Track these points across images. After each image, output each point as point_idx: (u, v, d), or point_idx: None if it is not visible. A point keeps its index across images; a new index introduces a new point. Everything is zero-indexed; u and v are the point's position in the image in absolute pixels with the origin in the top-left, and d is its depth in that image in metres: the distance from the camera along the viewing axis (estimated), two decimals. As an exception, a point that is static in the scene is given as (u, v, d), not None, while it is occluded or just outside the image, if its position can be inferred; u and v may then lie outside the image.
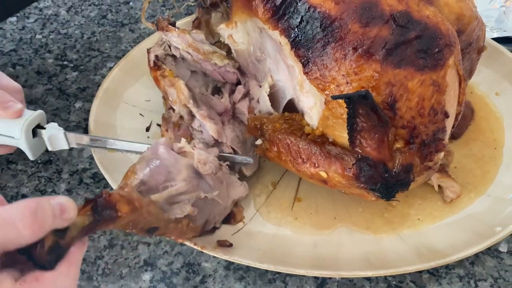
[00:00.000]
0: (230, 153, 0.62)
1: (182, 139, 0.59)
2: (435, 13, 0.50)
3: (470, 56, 0.59)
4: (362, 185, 0.50)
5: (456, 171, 0.65)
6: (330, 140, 0.53)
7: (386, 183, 0.49)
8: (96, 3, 0.98)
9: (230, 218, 0.60)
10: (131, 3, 0.97)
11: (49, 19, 0.96)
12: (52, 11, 0.97)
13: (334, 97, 0.46)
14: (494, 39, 0.78)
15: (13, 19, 0.96)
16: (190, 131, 0.63)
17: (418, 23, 0.48)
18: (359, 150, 0.49)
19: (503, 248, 0.60)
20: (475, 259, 0.59)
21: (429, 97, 0.49)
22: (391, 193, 0.50)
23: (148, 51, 0.66)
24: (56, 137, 0.61)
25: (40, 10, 0.98)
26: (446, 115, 0.50)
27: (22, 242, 0.36)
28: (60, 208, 0.38)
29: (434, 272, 0.58)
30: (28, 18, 0.96)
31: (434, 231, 0.59)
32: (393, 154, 0.48)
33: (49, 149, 0.62)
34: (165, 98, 0.65)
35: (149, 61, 0.66)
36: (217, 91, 0.68)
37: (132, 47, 0.87)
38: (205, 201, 0.55)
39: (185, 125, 0.63)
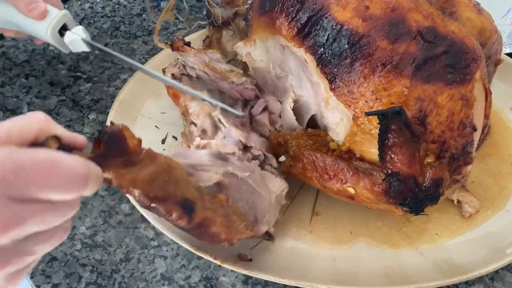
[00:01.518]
0: (259, 155, 0.61)
1: (197, 138, 0.58)
2: (460, 28, 0.51)
3: (488, 69, 0.60)
4: (391, 200, 0.51)
5: (473, 186, 0.65)
6: (357, 155, 0.53)
7: (415, 197, 0.49)
8: (109, 15, 0.99)
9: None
10: (144, 15, 0.98)
11: (62, 30, 0.96)
12: (65, 23, 0.97)
13: (368, 114, 0.47)
14: (507, 54, 0.79)
15: (26, 30, 0.96)
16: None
17: (444, 39, 0.49)
18: (389, 166, 0.49)
19: (523, 264, 0.60)
20: (495, 274, 0.59)
21: (458, 111, 0.49)
22: (420, 208, 0.51)
23: (164, 70, 0.66)
24: (76, 42, 0.63)
25: (53, 21, 0.98)
26: (474, 129, 0.51)
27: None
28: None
29: (453, 288, 0.58)
30: (41, 29, 0.96)
31: (453, 246, 0.59)
32: (424, 169, 0.49)
33: (72, 51, 0.64)
34: (184, 114, 0.64)
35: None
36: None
37: (145, 59, 0.87)
38: (245, 187, 0.52)
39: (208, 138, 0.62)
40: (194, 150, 0.57)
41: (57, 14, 0.62)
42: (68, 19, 0.64)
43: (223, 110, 0.60)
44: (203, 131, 0.61)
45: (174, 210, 0.44)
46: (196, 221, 0.45)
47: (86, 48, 0.64)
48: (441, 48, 0.49)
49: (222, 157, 0.55)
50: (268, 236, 0.56)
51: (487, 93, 0.53)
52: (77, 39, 0.62)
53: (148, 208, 0.43)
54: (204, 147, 0.58)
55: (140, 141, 0.42)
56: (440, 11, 0.52)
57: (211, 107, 0.60)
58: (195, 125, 0.62)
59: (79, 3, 1.02)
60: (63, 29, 0.63)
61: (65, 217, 0.37)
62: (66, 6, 1.01)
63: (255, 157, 0.60)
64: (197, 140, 0.57)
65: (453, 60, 0.49)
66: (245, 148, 0.60)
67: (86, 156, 0.38)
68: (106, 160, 0.39)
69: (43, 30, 0.61)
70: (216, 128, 0.62)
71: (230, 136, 0.60)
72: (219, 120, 0.60)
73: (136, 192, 0.41)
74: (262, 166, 0.62)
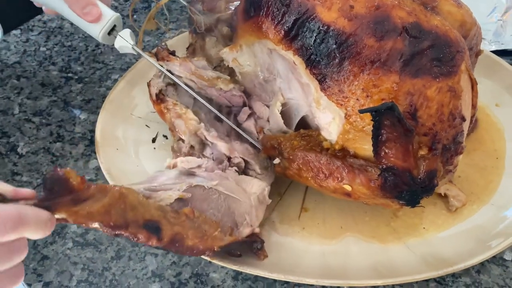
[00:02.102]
0: (239, 162, 0.62)
1: (167, 159, 0.60)
2: (443, 22, 0.52)
3: (470, 60, 0.61)
4: (387, 194, 0.52)
5: (460, 180, 0.66)
6: (351, 153, 0.54)
7: (411, 190, 0.50)
8: (100, 16, 0.99)
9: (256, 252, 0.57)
10: (135, 16, 0.98)
11: (53, 32, 0.96)
12: (56, 24, 0.98)
13: (362, 111, 0.48)
14: (493, 51, 0.80)
15: (17, 31, 0.96)
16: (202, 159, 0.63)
17: (429, 33, 0.50)
18: (384, 161, 0.50)
19: (508, 256, 0.61)
20: (481, 267, 0.60)
21: (447, 103, 0.50)
22: (416, 200, 0.52)
23: (149, 84, 0.67)
24: (124, 48, 0.66)
25: (44, 22, 0.98)
26: (463, 119, 0.52)
27: None
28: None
29: (441, 281, 0.59)
30: (32, 30, 0.97)
31: (439, 240, 0.60)
32: (417, 161, 0.50)
33: (119, 51, 0.68)
34: (171, 130, 0.65)
35: (151, 95, 0.66)
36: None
37: (136, 60, 0.88)
38: (215, 195, 0.54)
39: (196, 154, 0.63)
40: (164, 171, 0.58)
41: (110, 18, 0.65)
42: (118, 22, 0.66)
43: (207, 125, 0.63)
44: (192, 147, 0.62)
45: (139, 233, 0.47)
46: (167, 239, 0.48)
47: (132, 52, 0.67)
48: (427, 42, 0.50)
49: (188, 173, 0.56)
50: (256, 240, 0.56)
51: (473, 84, 0.55)
52: (127, 46, 0.66)
53: (115, 236, 0.46)
54: (174, 165, 0.59)
55: (83, 178, 0.45)
56: (422, 6, 0.53)
57: (196, 126, 0.61)
58: (183, 141, 0.63)
59: (70, 4, 1.02)
60: (112, 29, 0.66)
61: (11, 262, 0.40)
62: (57, 7, 1.01)
63: (235, 165, 0.61)
64: (167, 161, 0.60)
65: (438, 53, 0.51)
66: (229, 158, 0.62)
67: (31, 203, 0.42)
68: (54, 202, 0.43)
69: (94, 31, 0.65)
70: (203, 144, 0.63)
71: (216, 150, 0.62)
72: (205, 137, 0.62)
73: (96, 224, 0.45)
74: (246, 172, 0.63)
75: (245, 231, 0.54)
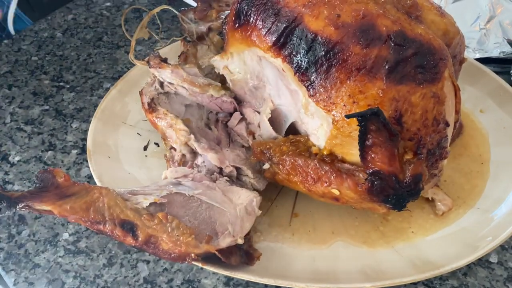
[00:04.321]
0: (231, 171, 0.63)
1: (176, 163, 0.62)
2: (426, 31, 0.53)
3: (454, 67, 0.63)
4: (374, 198, 0.53)
5: (446, 185, 0.67)
6: (339, 158, 0.55)
7: (397, 194, 0.51)
8: (92, 26, 1.00)
9: (248, 260, 0.58)
10: (126, 26, 0.99)
11: (45, 41, 0.97)
12: (48, 34, 0.99)
13: (348, 116, 0.49)
14: (477, 59, 0.82)
15: (8, 41, 0.97)
16: (194, 167, 0.64)
17: (413, 41, 0.51)
18: (370, 165, 0.51)
19: (494, 259, 0.62)
20: (468, 270, 0.61)
21: (431, 108, 0.52)
22: (402, 204, 0.53)
23: (141, 93, 0.68)
24: None
25: (36, 32, 0.99)
26: (447, 124, 0.53)
27: None
28: None
29: (428, 284, 0.60)
30: (23, 40, 0.97)
31: (427, 243, 0.61)
32: (403, 166, 0.51)
33: None
34: (164, 139, 0.66)
35: (143, 104, 0.67)
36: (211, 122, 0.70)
37: (128, 68, 0.89)
38: (196, 203, 0.56)
39: (188, 163, 0.64)
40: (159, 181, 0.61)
41: None
42: None
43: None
44: (183, 156, 0.63)
45: (115, 230, 0.52)
46: (142, 239, 0.52)
47: None
48: (411, 50, 0.52)
49: (174, 182, 0.59)
50: (244, 253, 0.57)
51: (456, 90, 0.56)
52: None
53: (97, 231, 0.52)
54: (166, 177, 0.62)
55: (68, 176, 0.53)
56: (407, 15, 0.54)
57: (186, 136, 0.62)
58: (175, 149, 0.64)
59: (62, 14, 1.03)
60: None
61: None
62: (49, 17, 1.02)
63: (227, 174, 0.62)
64: (164, 173, 0.63)
65: (422, 61, 0.52)
66: (221, 169, 0.63)
67: (17, 194, 0.51)
68: (41, 196, 0.51)
69: None
70: (195, 153, 0.64)
71: (207, 160, 0.63)
72: (195, 148, 0.63)
73: (77, 219, 0.52)
74: (239, 178, 0.64)
75: (226, 240, 0.55)
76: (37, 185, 0.53)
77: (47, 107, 0.84)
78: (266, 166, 0.62)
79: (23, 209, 0.51)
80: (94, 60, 0.92)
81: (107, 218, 0.52)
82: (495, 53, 0.85)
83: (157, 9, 0.72)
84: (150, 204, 0.55)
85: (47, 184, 0.52)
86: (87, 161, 0.70)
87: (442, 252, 0.60)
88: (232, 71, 0.65)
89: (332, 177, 0.55)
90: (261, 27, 0.56)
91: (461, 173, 0.69)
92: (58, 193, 0.52)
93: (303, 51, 0.53)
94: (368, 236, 0.63)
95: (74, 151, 0.77)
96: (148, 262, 0.63)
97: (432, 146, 0.53)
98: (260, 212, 0.60)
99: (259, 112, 0.66)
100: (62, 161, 0.75)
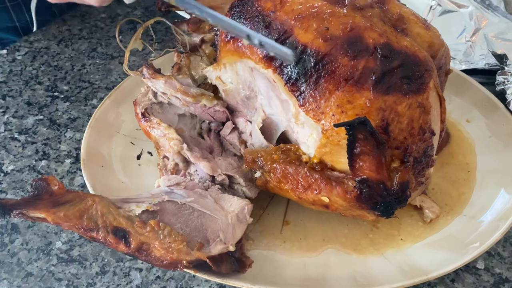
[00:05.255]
0: (223, 180, 0.64)
1: (169, 171, 0.63)
2: (412, 43, 0.55)
3: (440, 79, 0.65)
4: (363, 205, 0.54)
5: (434, 192, 0.69)
6: (329, 166, 0.57)
7: (385, 201, 0.53)
8: (86, 37, 1.01)
9: (240, 267, 0.59)
10: (120, 37, 1.01)
11: (40, 52, 0.98)
12: (43, 44, 1.00)
13: (336, 125, 0.50)
14: (463, 71, 0.85)
15: (3, 51, 0.98)
16: (187, 176, 0.66)
17: (399, 53, 0.53)
18: (359, 173, 0.52)
19: (480, 265, 0.64)
20: (455, 276, 0.62)
21: (417, 118, 0.53)
22: (390, 211, 0.54)
23: (134, 102, 0.69)
24: None
25: (31, 43, 1.00)
26: (433, 133, 0.55)
27: None
28: None
29: (417, 290, 0.61)
30: (18, 50, 0.98)
31: (416, 250, 0.63)
32: (390, 173, 0.52)
33: None
34: (157, 147, 0.67)
35: (136, 113, 0.68)
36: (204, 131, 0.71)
37: (121, 79, 0.90)
38: (188, 211, 0.57)
39: (181, 172, 0.65)
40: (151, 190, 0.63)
41: None
42: None
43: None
44: (176, 164, 0.64)
45: (108, 238, 0.53)
46: (134, 246, 0.53)
47: None
48: (397, 61, 0.54)
49: (166, 190, 0.60)
50: (236, 261, 0.58)
51: (441, 100, 0.58)
52: None
53: (91, 238, 0.53)
54: (159, 185, 0.63)
55: (62, 184, 0.54)
56: (393, 28, 0.56)
57: (179, 146, 0.64)
58: (168, 158, 0.65)
59: (57, 25, 1.04)
60: None
61: None
62: (44, 28, 1.03)
63: (219, 182, 0.64)
64: (157, 182, 0.64)
65: (408, 72, 0.54)
66: (213, 178, 0.64)
67: (11, 201, 0.51)
68: (35, 203, 0.52)
69: None
70: (187, 162, 0.65)
71: (200, 169, 0.64)
72: (188, 157, 0.64)
73: (70, 227, 0.52)
74: (231, 186, 0.65)
75: (217, 248, 0.56)
76: (32, 193, 0.53)
77: (41, 117, 0.85)
78: (258, 174, 0.63)
79: (17, 217, 0.52)
80: (88, 70, 0.94)
81: (100, 226, 0.53)
82: (480, 64, 0.87)
83: (151, 21, 0.73)
84: (143, 211, 0.56)
85: (41, 192, 0.53)
86: (80, 170, 0.70)
87: (430, 258, 0.61)
88: (225, 81, 0.66)
89: (322, 184, 0.56)
90: (252, 39, 0.57)
91: (449, 181, 0.71)
92: (52, 201, 0.53)
93: (293, 62, 0.55)
94: (358, 243, 0.64)
95: (67, 160, 0.77)
96: (140, 270, 0.63)
97: (419, 154, 0.54)
98: (252, 219, 0.61)
99: (251, 122, 0.67)
100: (56, 170, 0.76)
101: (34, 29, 0.99)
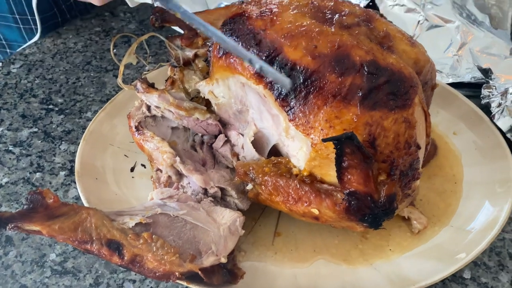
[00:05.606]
0: (215, 192, 0.66)
1: (162, 184, 0.64)
2: (398, 60, 0.57)
3: (426, 93, 0.67)
4: (352, 217, 0.55)
5: (422, 204, 0.71)
6: (318, 178, 0.58)
7: (373, 213, 0.54)
8: (81, 50, 1.03)
9: (232, 278, 0.59)
10: (115, 50, 1.02)
11: (34, 65, 0.99)
12: (37, 58, 1.01)
13: (324, 140, 0.52)
14: (449, 84, 0.87)
15: (-2, 64, 0.99)
16: (180, 188, 0.67)
17: (385, 70, 0.55)
18: (347, 186, 0.54)
19: (467, 275, 0.65)
20: (443, 286, 0.64)
21: (402, 132, 0.55)
22: (378, 222, 0.56)
23: (128, 116, 0.71)
24: None
25: (25, 56, 1.01)
26: (418, 147, 0.57)
27: None
28: None
29: (406, 300, 0.62)
30: (13, 63, 0.99)
31: (404, 260, 0.64)
32: (378, 186, 0.54)
33: None
34: (150, 160, 0.69)
35: (130, 127, 0.70)
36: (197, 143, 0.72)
37: (116, 92, 0.91)
38: (180, 224, 0.58)
39: (174, 184, 0.67)
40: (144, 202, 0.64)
41: None
42: None
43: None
44: (169, 177, 0.66)
45: (102, 250, 0.54)
46: (128, 258, 0.54)
47: None
48: (383, 78, 0.55)
49: (159, 203, 0.61)
50: (228, 272, 0.59)
51: (426, 115, 0.60)
52: None
53: (85, 250, 0.54)
54: (152, 198, 0.65)
55: (57, 197, 0.55)
56: (379, 45, 0.58)
57: (172, 159, 0.65)
58: (161, 171, 0.66)
59: (52, 38, 1.05)
60: None
61: None
62: (39, 42, 1.04)
63: (211, 195, 0.65)
64: (150, 195, 0.65)
65: (394, 88, 0.56)
66: (206, 190, 0.65)
67: (7, 214, 0.52)
68: (30, 216, 0.53)
69: None
70: (180, 175, 0.66)
71: (192, 182, 0.66)
72: (181, 169, 0.65)
73: (65, 239, 0.53)
74: (223, 198, 0.66)
75: (209, 260, 0.57)
76: (27, 206, 0.54)
77: (35, 130, 0.85)
78: (250, 186, 0.64)
79: (12, 230, 0.52)
80: (83, 83, 0.95)
81: (94, 238, 0.54)
82: (467, 78, 0.90)
83: (145, 36, 0.75)
84: (136, 224, 0.57)
85: (36, 205, 0.54)
86: (75, 182, 0.71)
87: (418, 268, 0.62)
88: (217, 95, 0.68)
89: (311, 197, 0.58)
90: (243, 56, 0.59)
91: (436, 192, 0.72)
92: (47, 214, 0.54)
93: (290, 89, 0.56)
94: (348, 254, 0.66)
95: (62, 173, 0.78)
96: (134, 281, 0.64)
97: (405, 167, 0.56)
98: (244, 231, 0.62)
99: (243, 135, 0.69)
100: (50, 183, 0.77)
101: (37, 35, 1.01)
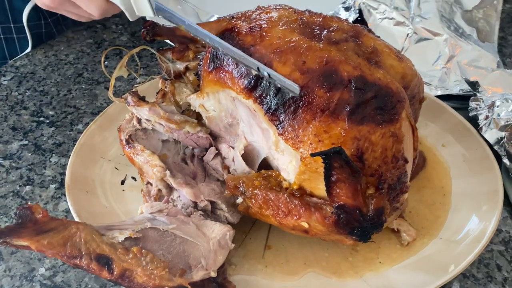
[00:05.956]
0: (206, 206, 0.66)
1: (153, 197, 0.64)
2: (385, 75, 0.58)
3: (414, 106, 0.68)
4: (341, 230, 0.56)
5: (411, 216, 0.71)
6: (308, 192, 0.59)
7: (362, 226, 0.55)
8: (73, 62, 1.03)
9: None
10: (106, 62, 1.03)
11: (26, 77, 0.99)
12: (29, 69, 1.01)
13: (313, 155, 0.53)
14: (438, 96, 0.88)
15: (-11, 76, 0.99)
16: (170, 202, 0.67)
17: (372, 85, 0.56)
18: (336, 199, 0.54)
19: (456, 286, 0.66)
20: (432, 298, 0.64)
21: (390, 147, 0.56)
22: (367, 235, 0.56)
23: (119, 129, 0.71)
24: (141, 1, 0.62)
25: (17, 68, 1.01)
26: (406, 161, 0.58)
27: None
28: None
29: (395, 312, 0.63)
30: (4, 75, 0.99)
31: (393, 272, 0.65)
32: (366, 200, 0.54)
33: (136, 13, 0.64)
34: (140, 173, 0.69)
35: (121, 140, 0.70)
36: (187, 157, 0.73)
37: (107, 104, 0.91)
38: (170, 238, 0.58)
39: (164, 197, 0.67)
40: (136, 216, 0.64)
41: None
42: None
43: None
44: (159, 191, 0.66)
45: (91, 264, 0.54)
46: (117, 273, 0.54)
47: (150, 11, 0.62)
48: (370, 93, 0.56)
49: (149, 217, 0.61)
50: (218, 286, 0.59)
51: (414, 129, 0.61)
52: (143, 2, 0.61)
53: (74, 266, 0.54)
54: (142, 212, 0.65)
55: (46, 212, 0.55)
56: (367, 61, 0.59)
57: (162, 172, 0.65)
58: (151, 184, 0.66)
59: (43, 50, 1.06)
60: None
61: None
62: (31, 53, 1.04)
63: (201, 208, 0.65)
64: (140, 208, 0.65)
65: (381, 103, 0.56)
66: (196, 204, 0.66)
67: None
68: (19, 231, 0.53)
69: None
70: (170, 188, 0.66)
71: (183, 195, 0.66)
72: (171, 183, 0.65)
73: (54, 254, 0.53)
74: (214, 211, 0.66)
75: (199, 274, 0.57)
76: (16, 221, 0.54)
77: (26, 142, 0.85)
78: (240, 200, 0.64)
79: (1, 245, 0.52)
80: (74, 95, 0.95)
81: (83, 253, 0.54)
82: (455, 90, 0.91)
83: (136, 49, 0.75)
84: (126, 238, 0.57)
85: (25, 220, 0.54)
86: (65, 195, 0.71)
87: (407, 280, 0.63)
88: (208, 109, 0.69)
89: (301, 210, 0.58)
90: (233, 71, 0.60)
91: (425, 204, 0.73)
92: (36, 229, 0.54)
93: (272, 93, 0.57)
94: (338, 267, 0.66)
95: (52, 186, 0.78)
96: (124, 296, 0.64)
97: (393, 181, 0.57)
98: (234, 245, 0.62)
99: (233, 148, 0.69)
100: (40, 196, 0.77)
101: (29, 48, 1.01)
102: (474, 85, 0.88)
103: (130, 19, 0.66)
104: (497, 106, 0.80)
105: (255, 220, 0.70)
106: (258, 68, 0.53)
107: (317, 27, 0.61)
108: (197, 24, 0.74)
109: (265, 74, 0.53)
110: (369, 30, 0.65)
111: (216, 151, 0.71)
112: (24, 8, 0.98)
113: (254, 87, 0.58)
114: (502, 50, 1.05)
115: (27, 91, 0.96)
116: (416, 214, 0.72)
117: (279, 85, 0.55)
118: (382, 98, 0.56)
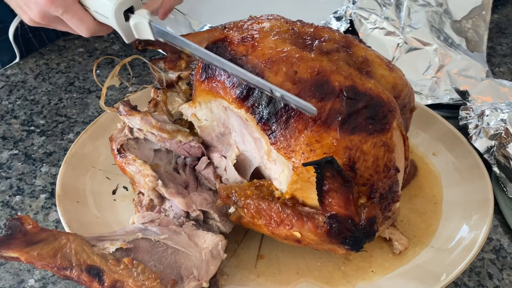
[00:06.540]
0: (198, 215, 0.66)
1: (144, 207, 0.64)
2: (376, 85, 0.59)
3: (405, 116, 0.69)
4: (333, 240, 0.56)
5: (403, 224, 0.72)
6: (300, 201, 0.59)
7: (354, 236, 0.55)
8: (64, 71, 1.03)
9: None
10: (98, 71, 1.02)
11: (16, 86, 0.98)
12: (19, 78, 1.00)
13: (305, 164, 0.53)
14: (428, 105, 0.89)
15: (-21, 85, 0.98)
16: (162, 212, 0.66)
17: (364, 95, 0.56)
18: (328, 209, 0.54)
19: (448, 295, 0.66)
20: (424, 307, 0.64)
21: (381, 156, 0.56)
22: (359, 245, 0.56)
23: (111, 139, 0.71)
24: (141, 25, 0.61)
25: (7, 77, 1.00)
26: (397, 170, 0.58)
27: None
28: None
29: (388, 321, 0.63)
30: (-6, 84, 0.99)
31: (386, 281, 0.65)
32: (358, 209, 0.54)
33: (135, 36, 0.63)
34: (132, 183, 0.68)
35: (112, 150, 0.70)
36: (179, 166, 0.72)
37: (98, 113, 0.91)
38: (161, 248, 0.58)
39: (156, 207, 0.67)
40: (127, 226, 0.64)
41: None
42: (137, 3, 0.61)
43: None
44: (151, 200, 0.66)
45: (82, 276, 0.54)
46: (108, 284, 0.54)
47: (150, 35, 0.61)
48: (361, 103, 0.57)
49: (141, 227, 0.61)
50: None
51: (405, 139, 0.61)
52: (142, 22, 0.60)
53: (64, 277, 0.54)
54: (133, 222, 0.64)
55: (36, 223, 0.55)
56: (358, 71, 0.60)
57: (154, 182, 0.65)
58: (143, 194, 0.66)
59: (34, 59, 1.05)
60: (129, 12, 0.61)
61: None
62: (21, 62, 1.04)
63: (193, 218, 0.65)
64: (131, 219, 0.65)
65: (372, 112, 0.57)
66: (188, 213, 0.65)
67: None
68: (8, 243, 0.52)
69: (108, 8, 0.59)
70: (162, 198, 0.66)
71: (174, 205, 0.65)
72: (163, 193, 0.65)
73: (44, 266, 0.53)
74: (206, 221, 0.66)
75: (191, 284, 0.57)
76: (5, 232, 0.53)
77: (16, 151, 0.84)
78: (232, 209, 0.64)
79: None
80: (65, 104, 0.94)
81: (74, 264, 0.54)
82: (445, 99, 0.92)
83: (128, 59, 0.75)
84: (117, 249, 0.56)
85: (15, 232, 0.54)
86: (55, 205, 0.70)
87: (399, 289, 0.63)
88: (200, 118, 0.69)
89: (293, 220, 0.58)
90: (225, 80, 0.60)
91: (417, 213, 0.73)
92: (25, 240, 0.53)
93: (264, 103, 0.57)
94: (331, 276, 0.66)
95: (42, 195, 0.77)
96: (115, 307, 0.63)
97: (384, 190, 0.57)
98: (226, 255, 0.62)
99: (225, 157, 0.69)
100: (30, 206, 0.76)
101: (17, 59, 1.00)
102: (464, 94, 0.89)
103: (127, 42, 0.66)
104: (487, 115, 0.81)
105: (247, 229, 0.70)
106: (271, 90, 0.53)
107: (309, 37, 0.61)
108: (186, 34, 0.75)
109: (278, 95, 0.53)
110: (360, 40, 0.66)
111: (208, 161, 0.71)
112: (12, 20, 0.97)
113: (246, 96, 0.58)
114: (491, 60, 1.06)
115: (17, 100, 0.95)
116: (408, 222, 0.72)
117: (293, 106, 0.54)
118: (373, 108, 0.56)
